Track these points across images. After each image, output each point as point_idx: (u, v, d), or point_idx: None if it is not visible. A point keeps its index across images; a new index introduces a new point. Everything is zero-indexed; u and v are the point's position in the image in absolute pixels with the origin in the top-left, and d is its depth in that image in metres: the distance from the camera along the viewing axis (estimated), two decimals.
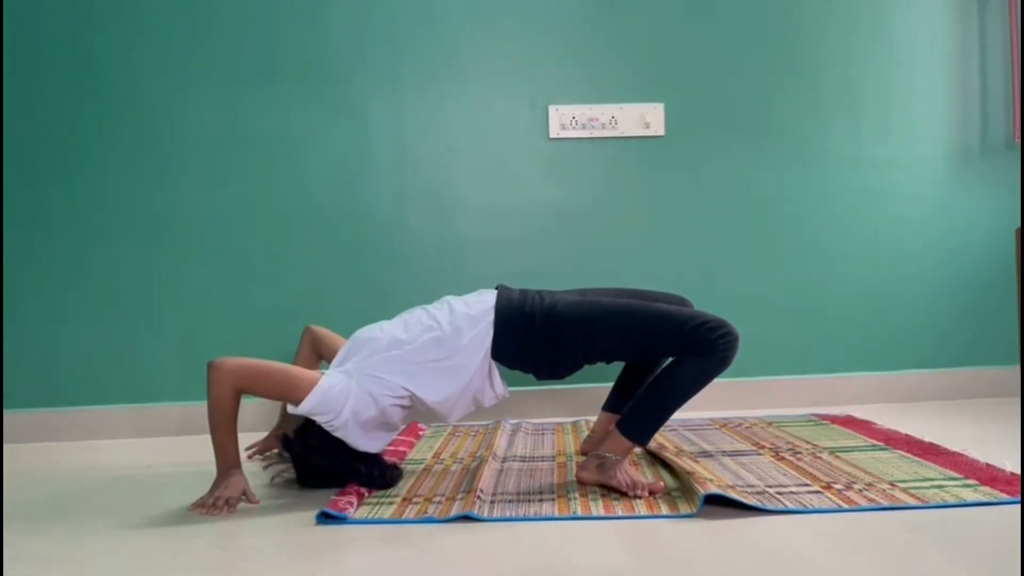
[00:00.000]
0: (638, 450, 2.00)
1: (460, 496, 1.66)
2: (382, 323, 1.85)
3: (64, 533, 1.55)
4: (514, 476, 1.83)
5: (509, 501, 1.62)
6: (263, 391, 1.70)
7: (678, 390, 1.70)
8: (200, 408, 2.56)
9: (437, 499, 1.65)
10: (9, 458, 2.34)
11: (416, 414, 1.90)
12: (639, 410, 1.74)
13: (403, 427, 1.90)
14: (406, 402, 1.75)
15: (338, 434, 1.71)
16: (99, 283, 2.61)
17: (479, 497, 1.62)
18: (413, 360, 1.73)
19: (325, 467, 1.75)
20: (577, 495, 1.65)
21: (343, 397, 1.68)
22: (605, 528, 1.46)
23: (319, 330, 2.12)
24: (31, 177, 2.60)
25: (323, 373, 1.71)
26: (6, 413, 2.59)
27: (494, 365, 1.78)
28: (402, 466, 1.93)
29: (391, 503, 1.64)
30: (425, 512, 1.56)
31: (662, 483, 1.67)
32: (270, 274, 2.63)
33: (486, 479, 1.77)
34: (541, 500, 1.62)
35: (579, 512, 1.53)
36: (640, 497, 1.62)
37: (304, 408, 1.66)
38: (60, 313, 2.61)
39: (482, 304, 1.80)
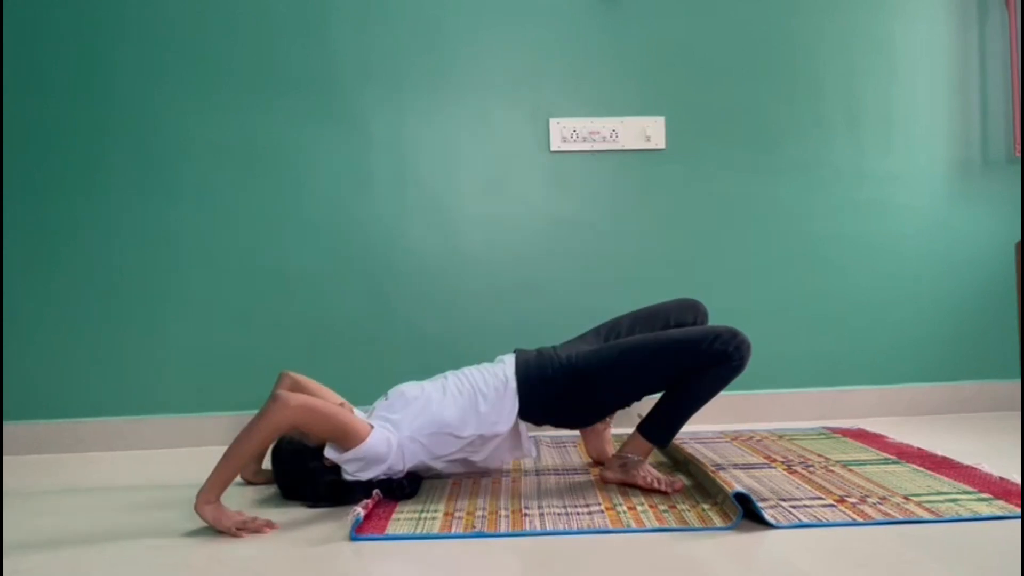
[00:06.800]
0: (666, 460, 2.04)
1: (505, 512, 1.64)
2: (423, 384, 1.90)
3: (64, 546, 1.53)
4: (554, 489, 1.82)
5: (559, 514, 1.60)
6: (316, 430, 1.69)
7: (697, 396, 1.79)
8: (202, 420, 2.57)
9: (480, 513, 1.63)
10: (9, 470, 2.28)
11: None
12: (659, 413, 1.82)
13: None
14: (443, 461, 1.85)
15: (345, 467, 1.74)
16: (100, 295, 2.54)
17: (526, 513, 1.61)
18: (450, 430, 1.79)
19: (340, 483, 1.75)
20: (625, 507, 1.64)
21: (383, 459, 1.72)
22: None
23: (297, 377, 2.00)
24: (33, 187, 2.53)
25: (371, 426, 1.73)
26: (6, 425, 2.51)
27: (522, 428, 1.86)
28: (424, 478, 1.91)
29: (434, 517, 1.61)
30: (472, 527, 1.54)
31: (681, 482, 1.76)
32: (271, 286, 2.58)
33: (527, 492, 1.78)
34: (590, 513, 1.61)
35: (632, 525, 1.52)
36: (665, 492, 1.71)
37: (346, 458, 1.69)
38: (62, 324, 2.54)
39: (504, 370, 1.87)
